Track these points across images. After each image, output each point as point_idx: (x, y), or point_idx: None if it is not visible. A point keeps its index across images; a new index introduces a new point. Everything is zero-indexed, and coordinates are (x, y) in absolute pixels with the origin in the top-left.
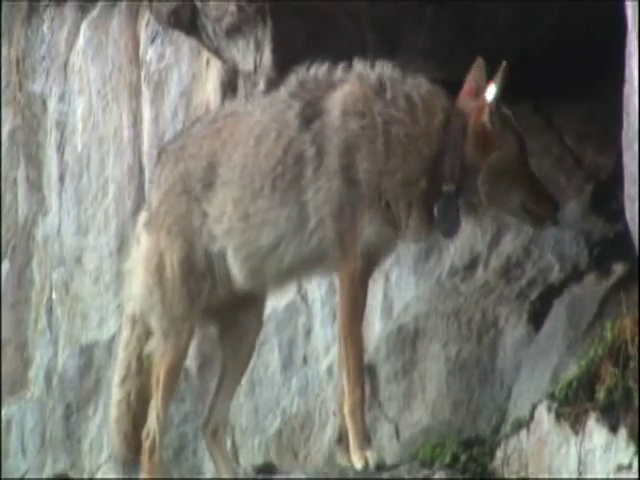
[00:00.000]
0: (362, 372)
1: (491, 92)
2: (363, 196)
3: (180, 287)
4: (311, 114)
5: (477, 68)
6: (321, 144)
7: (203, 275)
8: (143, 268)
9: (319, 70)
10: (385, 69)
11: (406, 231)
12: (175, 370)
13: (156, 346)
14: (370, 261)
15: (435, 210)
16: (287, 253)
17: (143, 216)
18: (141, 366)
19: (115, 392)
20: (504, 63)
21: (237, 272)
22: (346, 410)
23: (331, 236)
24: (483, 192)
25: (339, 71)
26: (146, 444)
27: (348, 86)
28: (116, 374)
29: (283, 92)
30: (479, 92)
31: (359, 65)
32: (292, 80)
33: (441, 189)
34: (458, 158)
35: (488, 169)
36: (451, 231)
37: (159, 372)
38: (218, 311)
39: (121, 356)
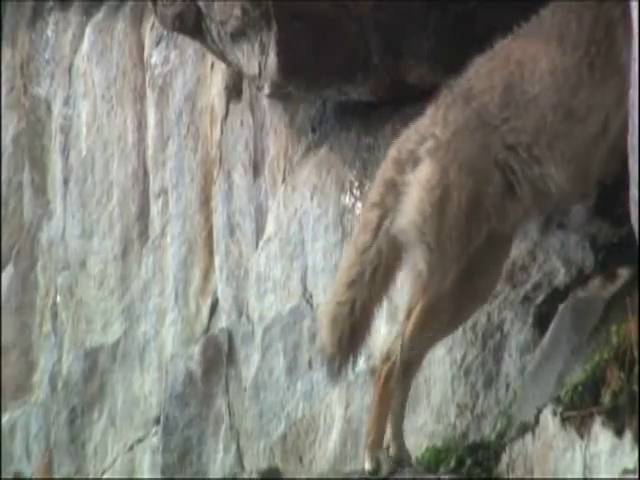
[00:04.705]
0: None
1: None
2: None
3: (462, 226)
4: None
5: None
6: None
7: (488, 215)
8: (421, 196)
9: None
10: None
11: None
12: (433, 309)
13: (417, 278)
14: None
15: None
16: (612, 128)
17: (428, 142)
18: (374, 279)
19: (340, 290)
20: None
21: (561, 180)
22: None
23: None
24: None
25: None
26: (384, 368)
27: None
28: (345, 272)
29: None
30: None
31: None
32: None
33: None
34: None
35: None
36: None
37: (413, 306)
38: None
39: (353, 258)
